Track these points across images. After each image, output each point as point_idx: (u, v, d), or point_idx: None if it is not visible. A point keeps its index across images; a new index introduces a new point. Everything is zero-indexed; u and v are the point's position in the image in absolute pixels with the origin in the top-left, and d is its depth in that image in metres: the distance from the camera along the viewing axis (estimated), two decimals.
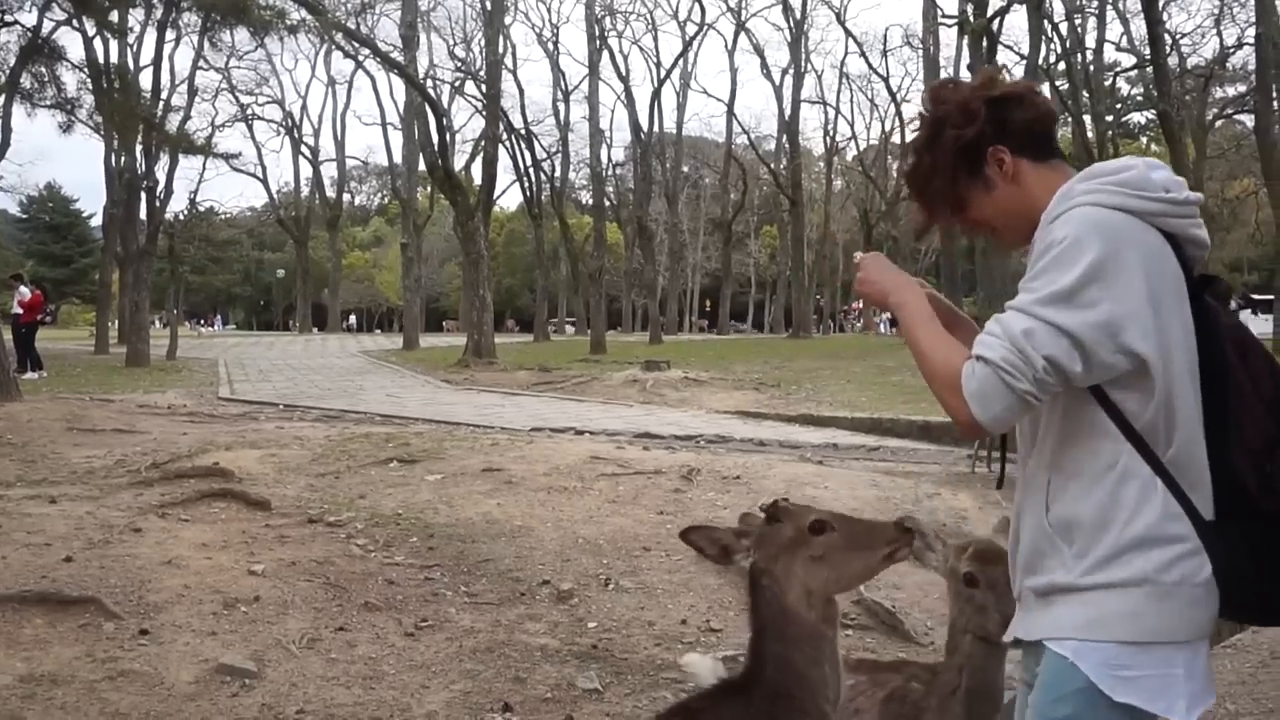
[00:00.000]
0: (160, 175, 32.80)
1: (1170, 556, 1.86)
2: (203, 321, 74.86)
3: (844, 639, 5.60)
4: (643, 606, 5.94)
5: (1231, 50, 40.69)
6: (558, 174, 52.45)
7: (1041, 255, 1.89)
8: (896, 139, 55.19)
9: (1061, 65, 40.62)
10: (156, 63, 32.63)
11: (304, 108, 65.11)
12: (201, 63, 40.62)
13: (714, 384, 20.14)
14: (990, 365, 1.84)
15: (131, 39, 35.54)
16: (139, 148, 30.36)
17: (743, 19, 53.47)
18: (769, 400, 17.93)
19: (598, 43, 41.80)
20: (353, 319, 78.90)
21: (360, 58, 44.20)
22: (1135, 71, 46.18)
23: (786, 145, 50.41)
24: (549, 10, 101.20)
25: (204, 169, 48.66)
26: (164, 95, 35.40)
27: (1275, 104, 31.77)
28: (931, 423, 14.18)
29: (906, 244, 51.11)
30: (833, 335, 53.39)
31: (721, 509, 7.70)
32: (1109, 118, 43.06)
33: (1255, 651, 5.54)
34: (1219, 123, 44.88)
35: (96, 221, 59.08)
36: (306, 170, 63.39)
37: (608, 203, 49.49)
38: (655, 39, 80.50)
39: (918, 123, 2.20)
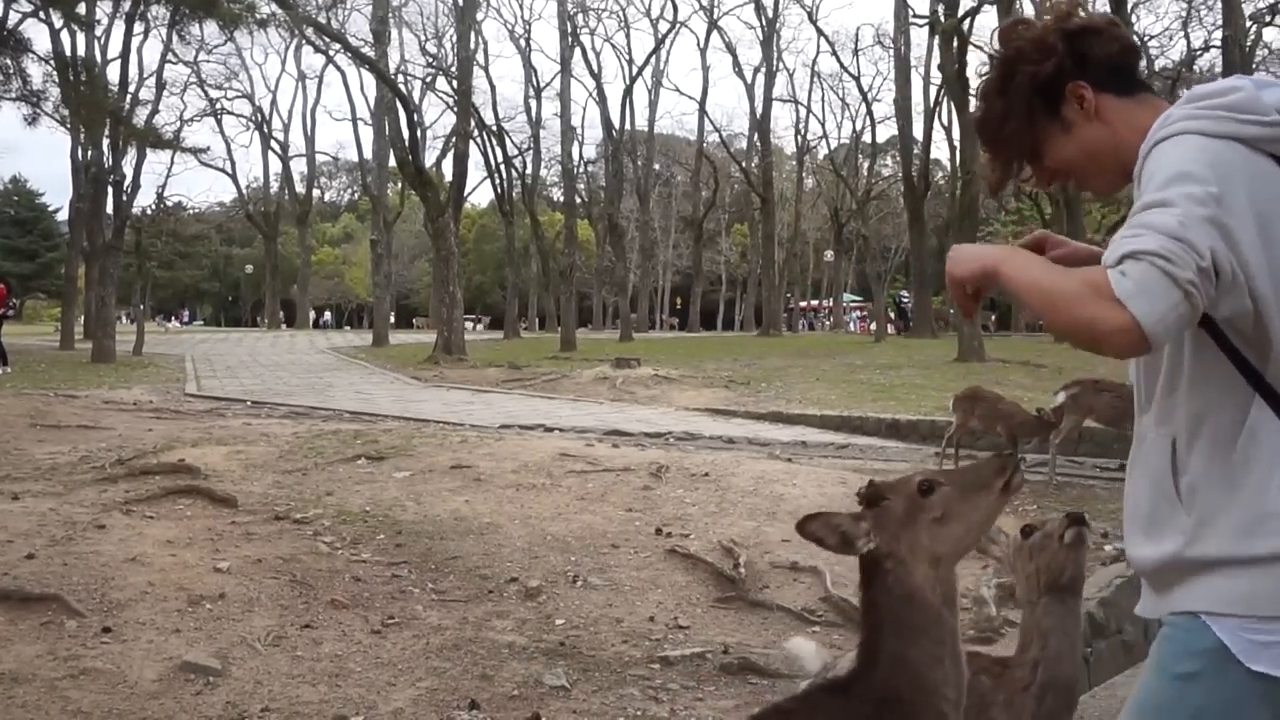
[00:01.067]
0: (127, 169, 32.51)
1: None
2: (172, 318, 74.21)
3: (811, 635, 5.64)
4: (611, 604, 5.94)
5: (1199, 52, 41.05)
6: (529, 171, 52.40)
7: (1146, 186, 1.68)
8: (867, 138, 55.47)
9: None
10: (124, 56, 32.36)
11: (274, 102, 65.03)
12: (170, 56, 40.42)
13: (684, 381, 20.15)
14: (1144, 258, 1.55)
15: (99, 31, 35.29)
16: (106, 141, 30.08)
17: (715, 17, 53.59)
18: (739, 398, 17.96)
19: (570, 39, 41.74)
20: (328, 315, 78.32)
21: (331, 53, 44.03)
22: None
23: (758, 143, 50.51)
24: (521, 6, 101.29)
25: (172, 163, 48.38)
26: (132, 89, 35.08)
27: None
28: (900, 421, 14.26)
29: (876, 243, 51.34)
30: (803, 333, 53.53)
31: (690, 506, 7.72)
32: None
33: None
34: None
35: (63, 216, 58.62)
36: (276, 165, 63.06)
37: (579, 200, 49.47)
38: (628, 36, 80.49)
39: (986, 67, 2.01)
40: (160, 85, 39.67)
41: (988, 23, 41.72)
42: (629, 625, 5.64)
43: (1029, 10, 37.91)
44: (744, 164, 53.07)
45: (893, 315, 49.13)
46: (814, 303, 69.68)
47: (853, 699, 2.20)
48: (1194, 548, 1.72)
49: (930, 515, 2.13)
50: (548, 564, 6.48)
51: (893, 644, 2.15)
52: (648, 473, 8.59)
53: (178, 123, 47.23)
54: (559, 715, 4.56)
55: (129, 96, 33.45)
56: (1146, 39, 40.10)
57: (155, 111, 38.68)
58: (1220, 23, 32.86)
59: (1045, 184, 2.04)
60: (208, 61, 48.90)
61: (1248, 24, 32.55)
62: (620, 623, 5.67)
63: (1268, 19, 32.70)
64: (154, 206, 40.57)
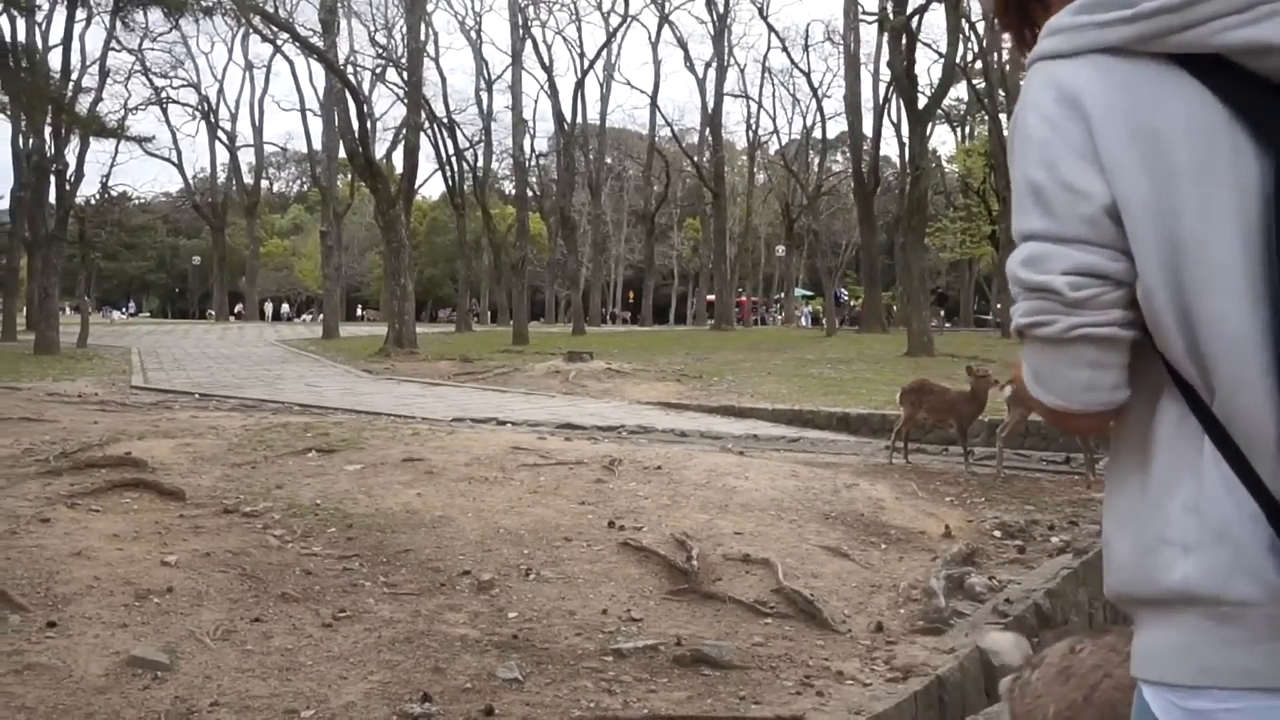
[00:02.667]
0: (70, 158, 32.09)
1: (1224, 561, 1.24)
2: (121, 309, 73.04)
3: (762, 627, 5.67)
4: (564, 596, 5.93)
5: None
6: (480, 163, 52.13)
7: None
8: (818, 134, 55.76)
9: (978, 64, 41.28)
10: (66, 42, 31.81)
11: (220, 92, 64.13)
12: (114, 43, 39.85)
13: (636, 375, 20.18)
14: (1026, 337, 1.34)
15: (40, 17, 34.70)
16: (48, 129, 29.60)
17: (666, 11, 53.62)
18: (691, 391, 18.02)
19: (521, 32, 41.59)
20: (285, 306, 77.38)
21: (279, 42, 43.50)
22: None
23: (709, 138, 50.59)
24: None
25: (116, 153, 47.78)
26: (74, 76, 34.55)
27: None
28: (850, 414, 14.37)
29: (827, 238, 51.62)
30: (754, 328, 53.73)
31: (643, 499, 7.72)
32: None
33: None
34: None
35: (3, 205, 57.51)
36: (223, 156, 62.36)
37: (531, 193, 49.36)
38: (579, 29, 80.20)
39: None
40: (104, 73, 39.11)
41: (936, 20, 42.15)
42: (582, 618, 5.64)
43: (976, 10, 38.33)
44: (696, 158, 53.16)
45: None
46: (750, 298, 69.68)
47: None
48: (1108, 589, 1.40)
49: None
50: (500, 557, 6.46)
51: None
52: (600, 466, 8.59)
53: (122, 111, 46.67)
54: (512, 708, 4.55)
55: (71, 84, 32.95)
56: None
57: (99, 99, 38.16)
58: None
59: None
60: (152, 49, 48.22)
61: None
62: (573, 615, 5.67)
63: None
64: (98, 196, 40.10)
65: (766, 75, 59.17)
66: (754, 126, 60.61)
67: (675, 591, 6.13)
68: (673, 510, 7.46)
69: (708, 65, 51.42)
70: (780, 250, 60.25)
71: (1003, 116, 37.96)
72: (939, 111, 41.05)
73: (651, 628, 5.60)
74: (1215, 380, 1.25)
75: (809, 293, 66.68)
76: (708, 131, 51.70)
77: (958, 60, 33.79)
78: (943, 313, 47.05)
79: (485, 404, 15.89)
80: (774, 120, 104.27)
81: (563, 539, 6.84)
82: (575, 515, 7.33)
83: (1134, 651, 1.35)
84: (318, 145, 48.85)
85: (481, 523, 7.08)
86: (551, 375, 20.27)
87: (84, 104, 34.19)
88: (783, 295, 64.93)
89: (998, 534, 7.67)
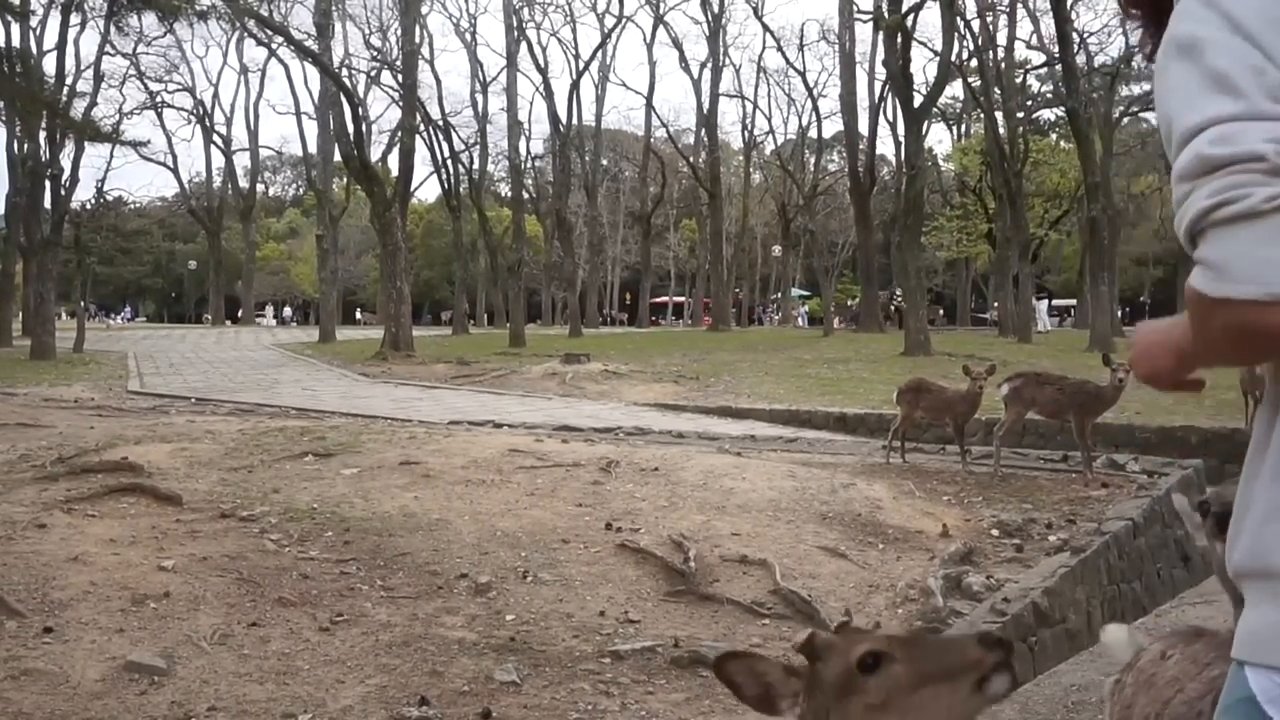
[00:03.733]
0: (65, 163, 31.97)
1: None
2: (112, 315, 72.87)
3: (760, 627, 5.67)
4: (561, 598, 5.93)
5: (1137, 49, 41.65)
6: (476, 166, 52.08)
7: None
8: (814, 133, 55.77)
9: (974, 62, 41.30)
10: (60, 47, 31.83)
11: (215, 95, 63.96)
12: (108, 48, 39.69)
13: (633, 376, 20.18)
14: (1204, 229, 1.15)
15: (34, 22, 34.58)
16: (43, 134, 29.54)
17: (661, 12, 53.52)
18: (688, 392, 18.02)
19: (516, 34, 41.56)
20: (287, 310, 77.13)
21: (273, 46, 43.43)
22: (1045, 69, 47.22)
23: (705, 139, 50.54)
24: (466, 0, 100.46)
25: (111, 157, 47.76)
26: (69, 81, 34.53)
27: None
28: (848, 414, 14.37)
29: (823, 238, 51.62)
30: (751, 328, 53.72)
31: (640, 501, 7.72)
32: (1020, 114, 43.86)
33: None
34: (1125, 120, 45.99)
35: None
36: (219, 160, 62.14)
37: (526, 195, 49.27)
38: (574, 31, 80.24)
39: None
40: (98, 77, 38.98)
41: (931, 19, 42.22)
42: (579, 620, 5.64)
43: (971, 8, 38.38)
44: (691, 159, 53.13)
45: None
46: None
47: None
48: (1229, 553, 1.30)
49: (866, 699, 1.64)
50: (497, 560, 6.46)
51: None
52: (597, 468, 8.59)
53: (117, 116, 46.45)
54: (510, 710, 4.55)
55: (66, 88, 32.93)
56: (1086, 35, 40.70)
57: (93, 104, 38.05)
58: None
59: None
60: (147, 54, 48.01)
61: None
62: (571, 617, 5.67)
63: None
64: (93, 201, 40.02)
65: (762, 75, 59.09)
66: (749, 127, 60.58)
67: (673, 593, 6.13)
68: (670, 511, 7.46)
69: (703, 66, 51.36)
70: (777, 250, 60.24)
71: (998, 114, 38.00)
72: (935, 110, 41.09)
73: (649, 629, 5.60)
74: None
75: (806, 293, 66.67)
76: (703, 132, 51.66)
77: (953, 58, 33.78)
78: (941, 311, 47.05)
79: (482, 407, 15.88)
80: (769, 120, 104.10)
81: (560, 541, 6.84)
82: (572, 517, 7.33)
83: (1238, 630, 1.26)
84: (313, 149, 48.72)
85: (479, 525, 7.07)
86: (548, 377, 20.27)
87: (79, 109, 34.14)
88: (779, 295, 64.92)
89: (995, 533, 7.67)
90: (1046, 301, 44.60)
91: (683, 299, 67.45)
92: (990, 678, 1.60)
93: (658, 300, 68.16)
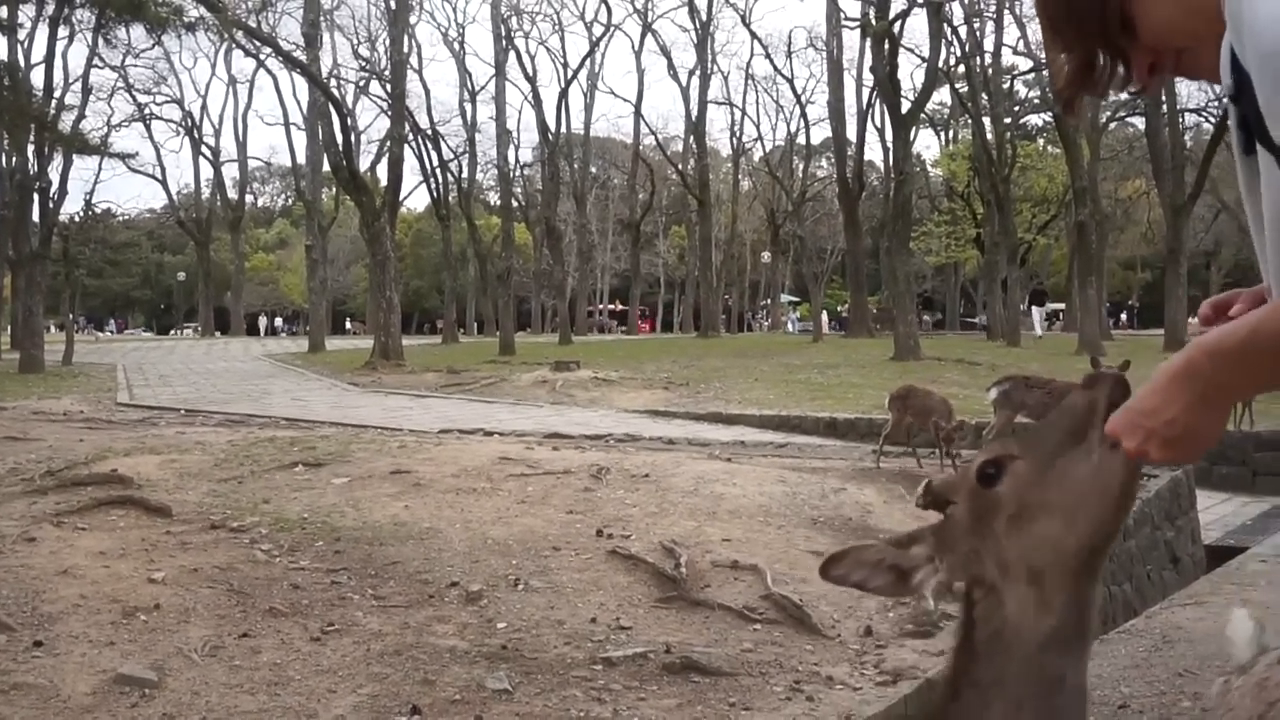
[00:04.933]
0: (54, 176, 31.94)
1: None
2: (95, 327, 72.55)
3: (751, 633, 5.67)
4: (552, 606, 5.93)
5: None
6: (465, 175, 52.08)
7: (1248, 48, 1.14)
8: (802, 140, 55.88)
9: (961, 68, 41.47)
10: (49, 60, 31.75)
11: (204, 107, 63.67)
12: (96, 60, 39.72)
13: (624, 383, 20.18)
14: None
15: (22, 35, 34.47)
16: (31, 147, 29.48)
17: (649, 20, 53.69)
18: (678, 399, 18.03)
19: (504, 43, 41.60)
20: (279, 320, 77.02)
21: (262, 57, 43.46)
22: (1032, 75, 47.38)
23: (694, 146, 50.64)
24: (454, 10, 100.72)
25: (100, 169, 47.60)
26: (57, 93, 34.39)
27: (1164, 108, 32.93)
28: (838, 419, 14.40)
29: (812, 244, 51.71)
30: (740, 334, 53.79)
31: (631, 507, 7.72)
32: (1007, 119, 44.03)
33: (1148, 636, 5.72)
34: (1112, 125, 46.19)
35: None
36: (207, 171, 62.09)
37: (516, 203, 49.32)
38: (562, 40, 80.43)
39: None
40: (86, 90, 38.93)
41: (919, 25, 42.37)
42: (571, 627, 5.64)
43: (959, 14, 38.51)
44: (680, 166, 53.20)
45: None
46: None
47: None
48: None
49: (1005, 512, 1.43)
50: (489, 567, 6.45)
51: (970, 699, 1.48)
52: (588, 475, 8.58)
53: (105, 128, 46.53)
54: (501, 718, 4.55)
55: (54, 101, 32.84)
56: None
57: (81, 117, 37.96)
58: None
59: (1144, 75, 1.39)
60: (135, 66, 48.05)
61: None
62: (562, 624, 5.66)
63: None
64: (82, 213, 39.90)
65: (750, 82, 59.24)
66: (738, 133, 60.74)
67: (664, 599, 6.13)
68: (661, 518, 7.47)
69: (691, 73, 51.50)
70: (766, 256, 60.34)
71: (986, 120, 38.15)
72: (922, 116, 41.19)
73: (641, 635, 5.60)
74: None
75: (795, 299, 66.78)
76: (692, 139, 51.73)
77: (940, 65, 33.90)
78: (927, 318, 47.18)
79: (472, 415, 15.87)
80: (758, 127, 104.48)
81: (551, 548, 6.83)
82: (563, 524, 7.33)
83: None
84: (302, 159, 48.74)
85: (469, 534, 7.07)
86: (539, 385, 20.27)
87: (67, 121, 34.05)
88: (769, 301, 65.01)
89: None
90: (1045, 307, 44.46)
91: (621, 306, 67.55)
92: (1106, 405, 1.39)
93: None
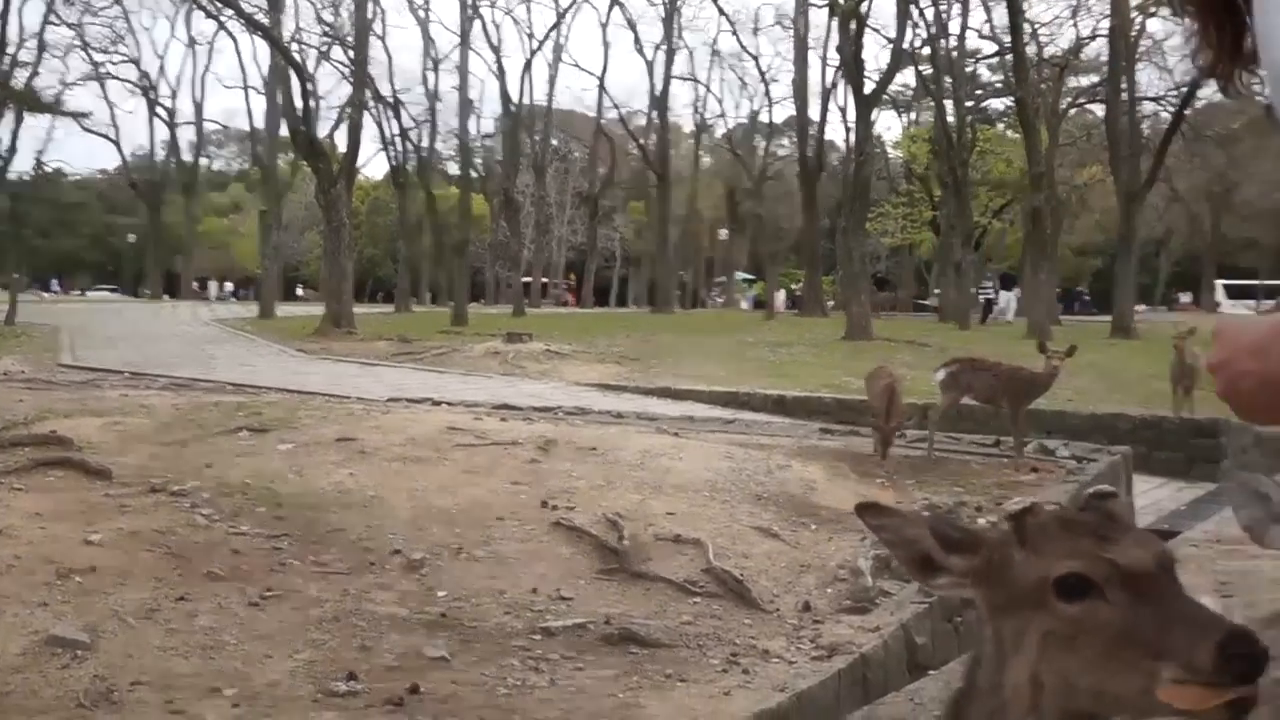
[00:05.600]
0: (4, 133, 31.36)
1: None
2: (53, 288, 71.36)
3: (691, 606, 5.71)
4: (494, 575, 5.94)
5: (1086, 41, 42.17)
6: (425, 144, 51.66)
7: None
8: (765, 118, 55.93)
9: (926, 50, 41.58)
10: (3, 16, 31.18)
11: (162, 68, 63.03)
12: (52, 17, 38.98)
13: (576, 357, 20.18)
14: None
15: None
16: None
17: None
18: (629, 373, 18.05)
19: (470, 11, 41.22)
20: (229, 285, 75.97)
21: (223, 18, 42.75)
22: (995, 58, 47.59)
23: (656, 121, 50.50)
24: None
25: (52, 128, 46.78)
26: (10, 50, 33.76)
27: (1124, 95, 33.20)
28: (787, 397, 14.47)
29: (770, 222, 51.78)
30: (695, 311, 53.86)
31: (577, 480, 7.73)
32: (969, 103, 44.26)
33: None
34: (1072, 111, 46.50)
35: None
36: (163, 133, 61.10)
37: (475, 174, 48.98)
38: (528, 9, 79.92)
39: None
40: (41, 47, 38.28)
41: (886, 5, 42.38)
42: (512, 596, 5.66)
43: None
44: (642, 141, 53.05)
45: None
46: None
47: None
48: None
49: (1052, 624, 1.30)
50: (432, 536, 6.45)
51: None
52: (535, 446, 8.58)
53: (59, 86, 45.62)
54: (438, 686, 4.56)
55: (7, 58, 32.27)
56: (1037, 26, 41.07)
57: (35, 74, 37.37)
58: (1108, 13, 33.83)
59: None
60: (93, 24, 47.10)
61: (1133, 15, 33.59)
62: (503, 594, 5.68)
63: (1152, 10, 33.75)
64: (32, 172, 39.20)
65: (715, 59, 59.08)
66: (701, 110, 60.63)
67: (606, 571, 6.16)
68: (606, 491, 7.48)
69: (657, 48, 51.21)
70: (723, 234, 60.36)
71: (948, 102, 38.31)
72: (885, 97, 41.32)
73: (581, 606, 5.62)
74: None
75: (750, 276, 66.89)
76: (655, 114, 51.61)
77: (905, 46, 34.01)
78: (884, 298, 47.61)
79: (422, 384, 15.80)
80: (721, 104, 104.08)
81: (495, 519, 6.84)
82: (509, 495, 7.33)
83: None
84: (260, 123, 48.06)
85: (414, 502, 7.05)
86: (490, 356, 20.22)
87: (20, 78, 33.45)
88: (724, 279, 65.08)
89: (926, 515, 7.76)
90: (1015, 290, 44.46)
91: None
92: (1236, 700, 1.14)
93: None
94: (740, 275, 65.13)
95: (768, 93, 54.63)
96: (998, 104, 56.82)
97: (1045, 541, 1.32)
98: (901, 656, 5.42)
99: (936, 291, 47.87)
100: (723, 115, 63.69)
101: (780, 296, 47.54)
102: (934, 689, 4.62)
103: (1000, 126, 53.26)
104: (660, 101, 49.11)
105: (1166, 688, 1.16)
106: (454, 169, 59.73)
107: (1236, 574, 5.81)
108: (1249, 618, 2.46)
